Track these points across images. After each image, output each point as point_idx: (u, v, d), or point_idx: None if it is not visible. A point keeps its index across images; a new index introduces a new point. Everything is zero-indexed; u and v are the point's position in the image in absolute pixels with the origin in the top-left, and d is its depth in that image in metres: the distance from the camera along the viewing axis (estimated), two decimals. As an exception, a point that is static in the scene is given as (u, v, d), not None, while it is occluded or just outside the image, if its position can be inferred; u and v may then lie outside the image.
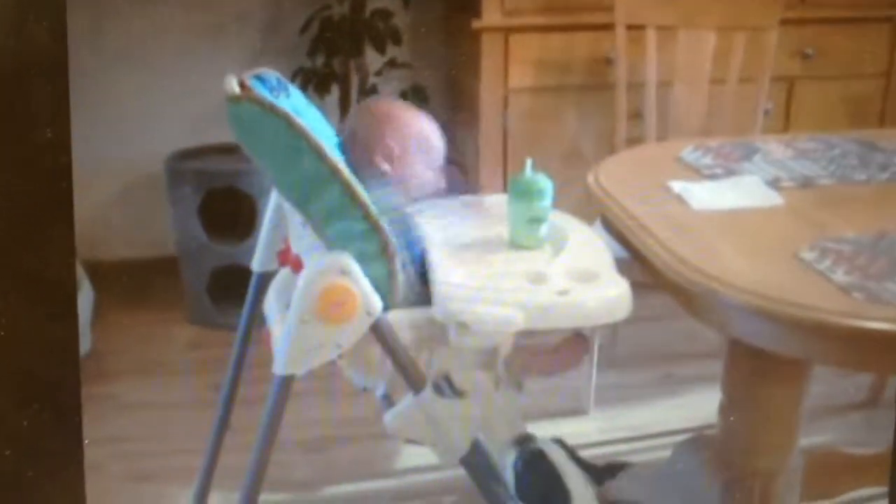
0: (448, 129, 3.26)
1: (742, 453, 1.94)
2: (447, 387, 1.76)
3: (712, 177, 2.10)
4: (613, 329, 2.68)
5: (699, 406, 2.29)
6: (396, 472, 2.37)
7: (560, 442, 1.99)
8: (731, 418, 1.95)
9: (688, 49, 2.72)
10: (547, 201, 1.84)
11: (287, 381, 1.71)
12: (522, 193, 1.84)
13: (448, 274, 1.73)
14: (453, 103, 3.23)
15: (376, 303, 1.68)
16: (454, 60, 3.19)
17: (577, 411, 2.55)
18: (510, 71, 2.99)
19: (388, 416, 1.79)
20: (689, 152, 2.24)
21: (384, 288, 1.69)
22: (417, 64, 3.20)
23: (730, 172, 2.12)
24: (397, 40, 3.10)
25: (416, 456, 2.34)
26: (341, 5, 3.06)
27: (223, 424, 2.06)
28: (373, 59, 3.11)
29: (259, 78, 1.77)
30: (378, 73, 3.11)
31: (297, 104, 1.82)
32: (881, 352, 1.61)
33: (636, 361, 2.77)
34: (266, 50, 3.13)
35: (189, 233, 2.96)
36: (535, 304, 1.68)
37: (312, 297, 1.65)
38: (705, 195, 1.99)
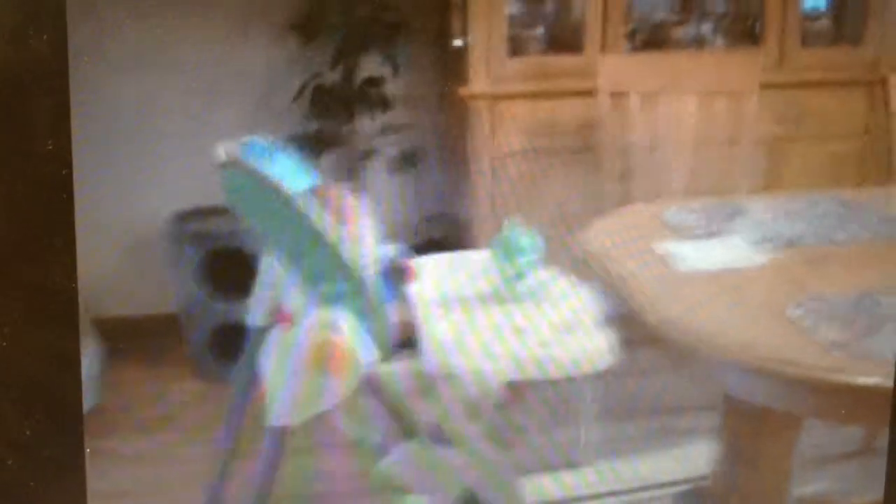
0: (442, 188, 3.36)
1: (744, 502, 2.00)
2: (438, 436, 1.82)
3: (697, 237, 2.17)
4: (607, 381, 2.74)
5: (694, 458, 2.34)
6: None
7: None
8: (726, 469, 2.01)
9: (671, 113, 2.80)
10: (529, 257, 1.91)
11: (281, 433, 1.78)
12: (505, 250, 1.91)
13: (435, 327, 1.81)
14: (447, 163, 3.30)
15: (367, 356, 1.75)
16: (445, 125, 3.26)
17: (570, 464, 2.59)
18: (498, 135, 3.06)
19: (383, 464, 1.85)
20: (673, 213, 2.31)
21: (375, 341, 1.76)
22: (411, 127, 3.27)
23: (714, 233, 2.19)
24: (387, 107, 3.17)
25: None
26: (333, 73, 3.14)
27: (222, 479, 2.11)
28: (366, 123, 3.18)
29: (248, 144, 1.85)
30: (373, 139, 3.18)
31: (284, 169, 1.90)
32: (867, 406, 1.68)
33: (630, 414, 2.81)
34: (261, 114, 3.20)
35: (190, 292, 3.00)
36: (518, 357, 1.76)
37: (305, 352, 1.74)
38: (690, 256, 2.06)
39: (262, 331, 2.03)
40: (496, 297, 1.92)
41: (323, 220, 1.75)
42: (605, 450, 2.63)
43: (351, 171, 3.19)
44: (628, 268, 2.06)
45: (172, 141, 3.02)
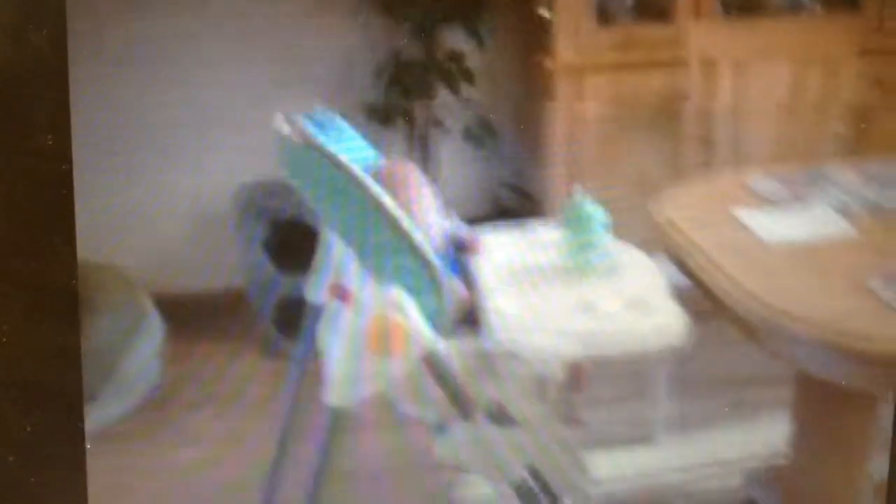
0: (521, 162, 3.28)
1: (813, 484, 1.90)
2: (499, 415, 1.74)
3: (781, 205, 2.06)
4: (683, 355, 2.64)
5: (771, 433, 2.23)
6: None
7: None
8: (801, 449, 1.90)
9: (761, 81, 2.68)
10: (598, 228, 1.83)
11: (339, 412, 1.73)
12: (574, 221, 1.85)
13: (498, 302, 1.73)
14: (526, 138, 3.21)
15: (427, 335, 1.69)
16: (524, 94, 3.18)
17: (645, 439, 2.50)
18: (582, 107, 2.97)
19: (440, 445, 1.78)
20: (757, 180, 2.20)
21: (436, 320, 1.70)
22: (488, 101, 3.19)
23: (799, 200, 2.08)
24: (470, 81, 3.09)
25: (472, 486, 2.31)
26: (414, 47, 3.07)
27: (281, 457, 2.07)
28: (445, 98, 3.10)
29: (310, 116, 1.79)
30: (458, 109, 3.10)
31: (348, 142, 1.84)
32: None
33: (706, 387, 2.70)
34: (338, 89, 3.14)
35: (256, 267, 2.97)
36: (584, 333, 1.68)
37: (362, 330, 1.68)
38: (773, 224, 1.96)
39: (323, 308, 1.98)
40: (564, 272, 1.85)
41: (384, 195, 1.68)
42: (678, 424, 2.53)
43: (428, 143, 3.13)
44: (709, 236, 1.96)
45: (241, 113, 2.98)
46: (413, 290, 1.68)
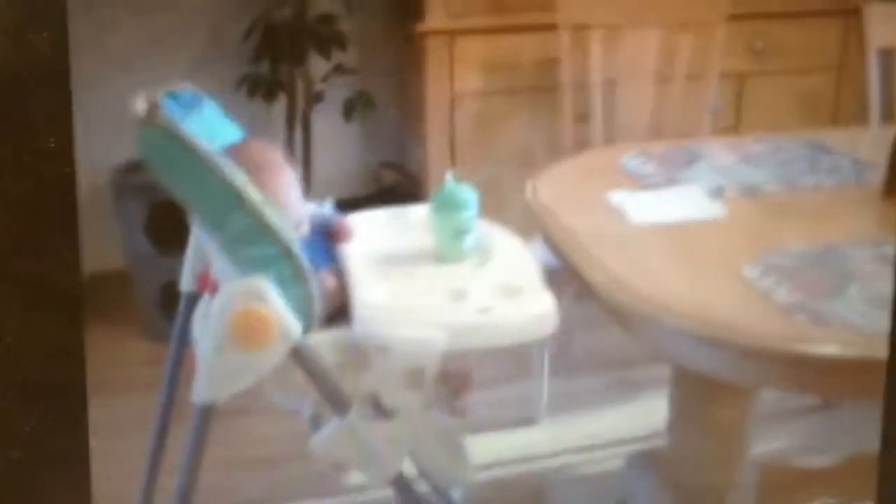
0: (395, 134, 3.24)
1: (691, 469, 1.91)
2: (375, 408, 1.72)
3: (653, 186, 2.05)
4: (565, 334, 2.64)
5: (654, 412, 2.24)
6: (344, 490, 2.32)
7: None
8: (678, 434, 1.91)
9: (633, 47, 2.66)
10: (470, 212, 1.80)
11: (207, 409, 1.68)
12: (445, 205, 1.81)
13: (368, 293, 1.70)
14: (400, 108, 3.17)
15: (294, 327, 1.64)
16: (400, 65, 3.13)
17: (528, 420, 2.50)
18: (456, 74, 2.94)
19: (315, 440, 1.74)
20: (630, 159, 2.19)
21: (302, 311, 1.65)
22: (364, 69, 3.15)
23: (671, 181, 2.07)
24: (342, 45, 3.04)
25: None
26: (283, 10, 3.00)
27: (158, 447, 2.01)
28: (318, 64, 3.05)
29: (173, 95, 1.73)
30: (324, 80, 3.05)
31: (211, 121, 1.78)
32: (825, 376, 1.57)
33: (588, 367, 2.72)
34: (209, 57, 3.06)
35: (137, 247, 2.90)
36: (456, 324, 1.65)
37: (227, 323, 1.62)
38: (645, 207, 1.95)
39: (193, 296, 1.93)
40: (436, 257, 1.81)
41: (243, 179, 1.62)
42: (563, 404, 2.54)
43: (308, 120, 3.07)
44: (579, 220, 1.95)
45: (117, 88, 2.88)
46: (277, 281, 1.63)
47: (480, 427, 2.34)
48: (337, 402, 1.69)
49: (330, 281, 1.75)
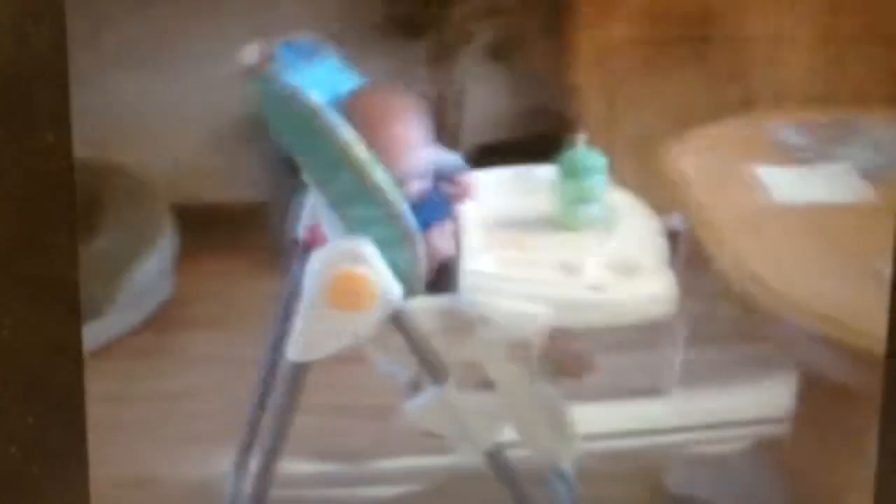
0: (547, 79, 3.14)
1: (810, 466, 1.81)
2: (476, 378, 1.67)
3: (803, 161, 1.92)
4: (707, 302, 2.52)
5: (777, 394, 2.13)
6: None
7: None
8: (801, 429, 1.81)
9: (801, 1, 2.49)
10: (596, 180, 1.72)
11: (300, 368, 1.65)
12: (570, 171, 1.74)
13: (477, 260, 1.65)
14: (552, 52, 3.07)
15: (395, 291, 1.59)
16: (554, 6, 3.02)
17: (656, 391, 2.40)
18: (613, 20, 2.81)
19: (409, 407, 1.71)
20: (782, 128, 2.06)
21: (406, 275, 1.60)
22: (516, 9, 3.05)
23: (825, 157, 1.93)
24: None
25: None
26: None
27: (266, 387, 1.97)
28: (466, 3, 2.96)
29: (290, 44, 1.68)
30: (473, 20, 2.96)
31: (331, 72, 1.72)
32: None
33: (731, 339, 2.59)
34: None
35: (275, 182, 2.90)
36: (563, 301, 1.58)
37: (325, 284, 1.58)
38: (788, 184, 1.82)
39: (307, 246, 1.89)
40: (555, 225, 1.74)
41: (350, 136, 1.57)
42: (697, 377, 2.43)
43: (453, 62, 3.00)
44: (715, 194, 1.84)
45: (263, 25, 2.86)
46: (381, 243, 1.58)
47: (604, 394, 2.26)
48: (434, 369, 1.65)
49: (442, 243, 1.69)
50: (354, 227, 1.59)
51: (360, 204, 1.58)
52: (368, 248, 1.58)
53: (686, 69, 2.79)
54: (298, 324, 1.64)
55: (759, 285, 1.55)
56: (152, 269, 2.66)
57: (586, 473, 2.05)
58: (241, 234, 2.90)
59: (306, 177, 1.69)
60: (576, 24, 2.84)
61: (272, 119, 1.62)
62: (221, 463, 2.07)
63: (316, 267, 1.60)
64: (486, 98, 3.13)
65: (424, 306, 1.63)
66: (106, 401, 2.31)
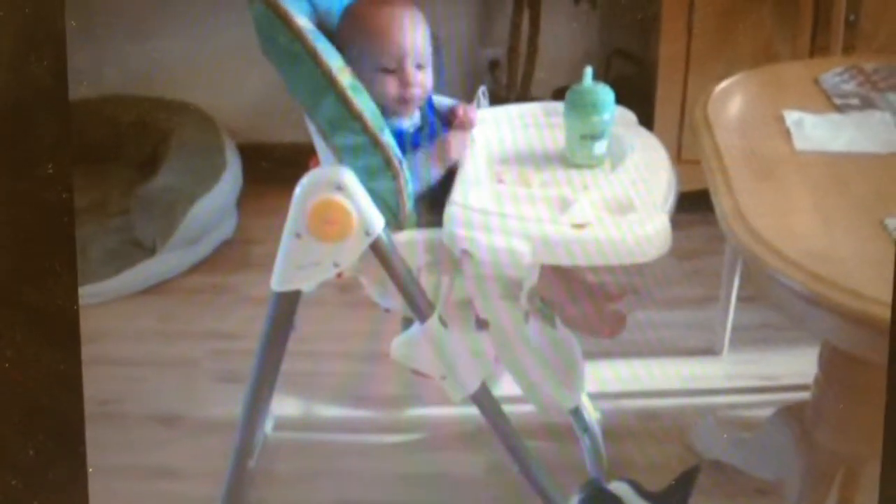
0: (630, 22, 3.01)
1: (831, 433, 1.69)
2: (467, 315, 1.61)
3: (844, 108, 1.78)
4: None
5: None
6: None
7: (633, 483, 1.70)
8: (822, 395, 1.69)
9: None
10: (604, 116, 1.64)
11: (283, 297, 1.62)
12: (577, 106, 1.66)
13: (467, 194, 1.58)
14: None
15: (376, 221, 1.55)
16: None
17: (708, 351, 2.28)
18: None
19: (395, 343, 1.66)
20: (832, 75, 1.91)
21: (390, 205, 1.56)
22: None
23: (868, 104, 1.79)
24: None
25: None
26: None
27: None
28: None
29: None
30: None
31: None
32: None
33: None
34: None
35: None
36: (543, 238, 1.51)
37: (305, 212, 1.55)
38: (817, 131, 1.69)
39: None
40: (563, 161, 1.66)
41: (335, 60, 1.52)
42: (750, 338, 2.29)
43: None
44: (735, 139, 1.72)
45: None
46: (364, 171, 1.55)
47: (655, 352, 2.16)
48: (416, 305, 1.60)
49: (454, 140, 1.65)
50: (341, 155, 1.56)
51: (344, 131, 1.55)
52: (347, 176, 1.54)
53: (774, 13, 2.64)
54: (280, 253, 1.61)
55: (756, 241, 1.44)
56: (215, 207, 2.66)
57: (615, 431, 1.98)
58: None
59: (301, 105, 1.64)
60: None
61: (263, 42, 1.58)
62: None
63: (297, 194, 1.57)
64: (566, 40, 3.03)
65: (412, 238, 1.58)
66: (152, 338, 2.34)
